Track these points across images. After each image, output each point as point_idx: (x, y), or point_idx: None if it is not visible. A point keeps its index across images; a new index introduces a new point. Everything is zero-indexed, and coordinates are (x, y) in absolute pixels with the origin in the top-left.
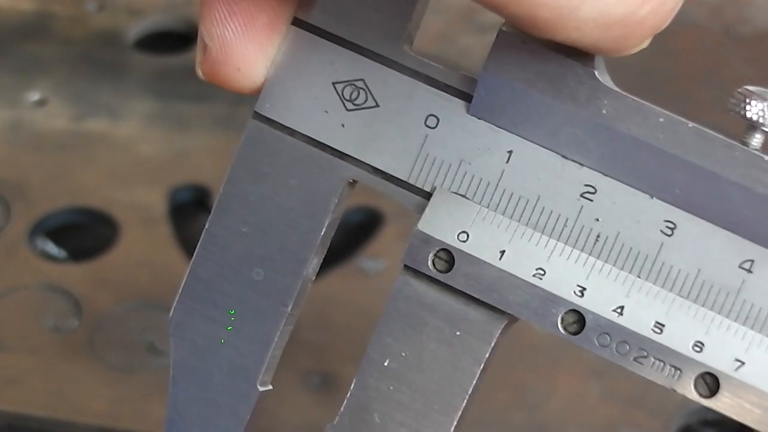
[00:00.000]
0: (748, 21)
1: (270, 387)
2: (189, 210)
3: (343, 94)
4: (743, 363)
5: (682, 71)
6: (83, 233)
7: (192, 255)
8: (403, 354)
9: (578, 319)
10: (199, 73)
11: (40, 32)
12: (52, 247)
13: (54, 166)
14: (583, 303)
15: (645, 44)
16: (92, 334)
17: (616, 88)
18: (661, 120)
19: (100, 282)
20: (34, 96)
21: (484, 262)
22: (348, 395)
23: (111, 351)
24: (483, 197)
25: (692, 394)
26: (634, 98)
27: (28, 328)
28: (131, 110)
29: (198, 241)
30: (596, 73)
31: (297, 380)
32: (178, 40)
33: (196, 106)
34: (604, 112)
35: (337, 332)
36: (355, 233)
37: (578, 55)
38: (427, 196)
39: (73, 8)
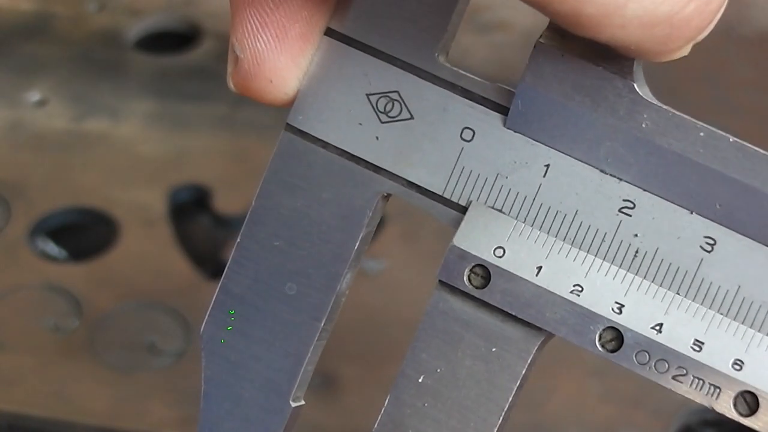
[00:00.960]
0: (748, 21)
1: (302, 402)
2: (189, 210)
3: (377, 106)
4: None
5: (682, 71)
6: (83, 233)
7: (192, 255)
8: (439, 370)
9: (616, 337)
10: (230, 85)
11: (40, 32)
12: (52, 247)
13: (54, 166)
14: (622, 320)
15: (687, 50)
16: (92, 334)
17: (656, 102)
18: (702, 134)
19: (100, 282)
20: (34, 96)
21: (521, 278)
22: (382, 411)
23: (111, 351)
24: (519, 212)
25: (732, 413)
26: (675, 112)
27: (28, 328)
28: (131, 110)
29: (198, 242)
30: (636, 86)
31: None
32: (178, 40)
33: (196, 106)
34: (644, 126)
35: (338, 332)
36: None
37: (617, 67)
38: (463, 210)
39: (73, 8)
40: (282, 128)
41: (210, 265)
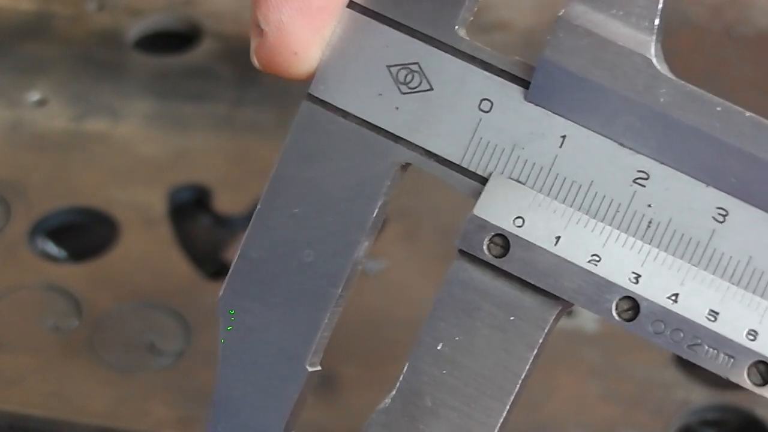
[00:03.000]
0: (748, 21)
1: (319, 368)
2: (189, 210)
3: (397, 77)
4: None
5: (682, 71)
6: (83, 233)
7: (192, 255)
8: (457, 339)
9: (633, 306)
10: (254, 60)
11: (40, 32)
12: (52, 247)
13: (54, 166)
14: (638, 290)
15: None
16: (92, 334)
17: (674, 77)
18: (719, 109)
19: (100, 282)
20: (34, 96)
21: (540, 247)
22: (400, 379)
23: (111, 351)
24: (536, 182)
25: (745, 383)
26: (692, 87)
27: (28, 328)
28: (131, 110)
29: (198, 242)
30: (654, 61)
31: None
32: (178, 40)
33: (196, 106)
34: (662, 100)
35: (337, 332)
36: None
37: (636, 42)
38: (481, 180)
39: (73, 8)
40: (282, 128)
41: (210, 265)
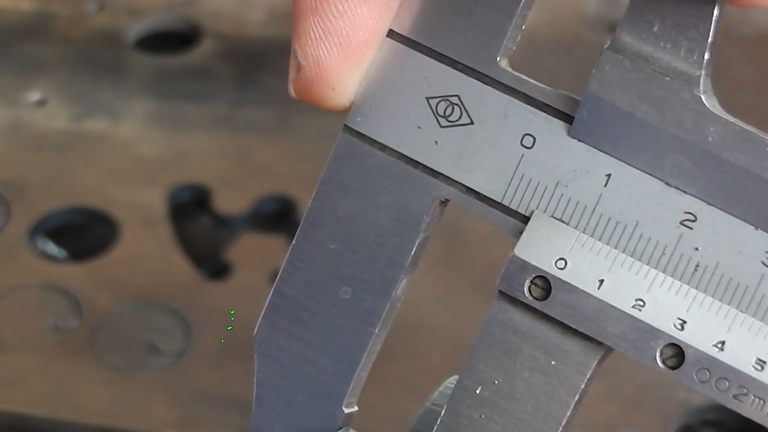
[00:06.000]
0: (748, 21)
1: (355, 408)
2: (189, 210)
3: (437, 110)
4: None
5: None
6: (83, 233)
7: (192, 255)
8: (496, 382)
9: (677, 353)
10: (291, 91)
11: (40, 32)
12: (52, 247)
13: (54, 166)
14: (684, 337)
15: None
16: (92, 334)
17: (724, 115)
18: None
19: (100, 282)
20: (34, 96)
21: (582, 291)
22: (438, 422)
23: (111, 351)
24: (579, 221)
25: None
26: (742, 126)
27: (28, 328)
28: (131, 110)
29: (198, 242)
30: (703, 98)
31: None
32: (178, 40)
33: (196, 106)
34: (711, 139)
35: None
36: None
37: (685, 78)
38: (522, 219)
39: (73, 8)
40: (282, 127)
41: (210, 265)
